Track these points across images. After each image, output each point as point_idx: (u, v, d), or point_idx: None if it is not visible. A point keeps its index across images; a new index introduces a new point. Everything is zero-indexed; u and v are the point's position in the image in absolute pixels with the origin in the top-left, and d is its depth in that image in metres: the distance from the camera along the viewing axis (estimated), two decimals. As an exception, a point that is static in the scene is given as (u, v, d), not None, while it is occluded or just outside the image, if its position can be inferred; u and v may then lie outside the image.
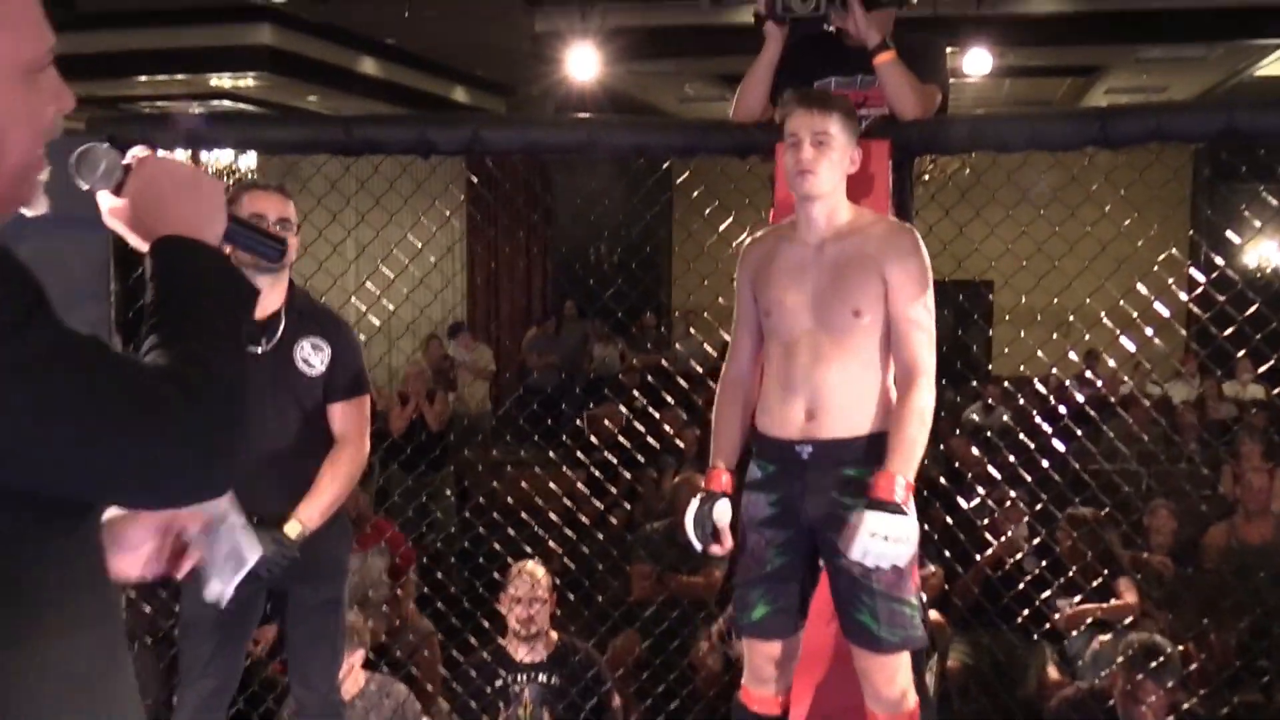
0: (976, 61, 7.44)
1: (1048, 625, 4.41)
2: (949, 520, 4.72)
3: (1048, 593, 4.25)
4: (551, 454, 6.39)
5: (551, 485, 5.23)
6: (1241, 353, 3.73)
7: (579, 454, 5.97)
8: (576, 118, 3.01)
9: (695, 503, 2.56)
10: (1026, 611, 4.14)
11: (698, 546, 2.56)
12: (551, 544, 4.75)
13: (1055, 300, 3.53)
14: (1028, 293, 3.42)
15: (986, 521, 4.97)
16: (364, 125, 2.85)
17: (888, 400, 2.47)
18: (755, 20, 2.82)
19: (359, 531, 5.18)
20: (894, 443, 2.37)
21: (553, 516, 4.86)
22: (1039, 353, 4.14)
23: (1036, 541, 5.00)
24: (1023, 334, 3.43)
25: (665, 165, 3.61)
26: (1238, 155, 7.67)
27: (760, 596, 2.52)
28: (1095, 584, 4.55)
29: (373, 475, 6.87)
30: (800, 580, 2.53)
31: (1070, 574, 4.36)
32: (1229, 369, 9.74)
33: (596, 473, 5.71)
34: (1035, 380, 5.27)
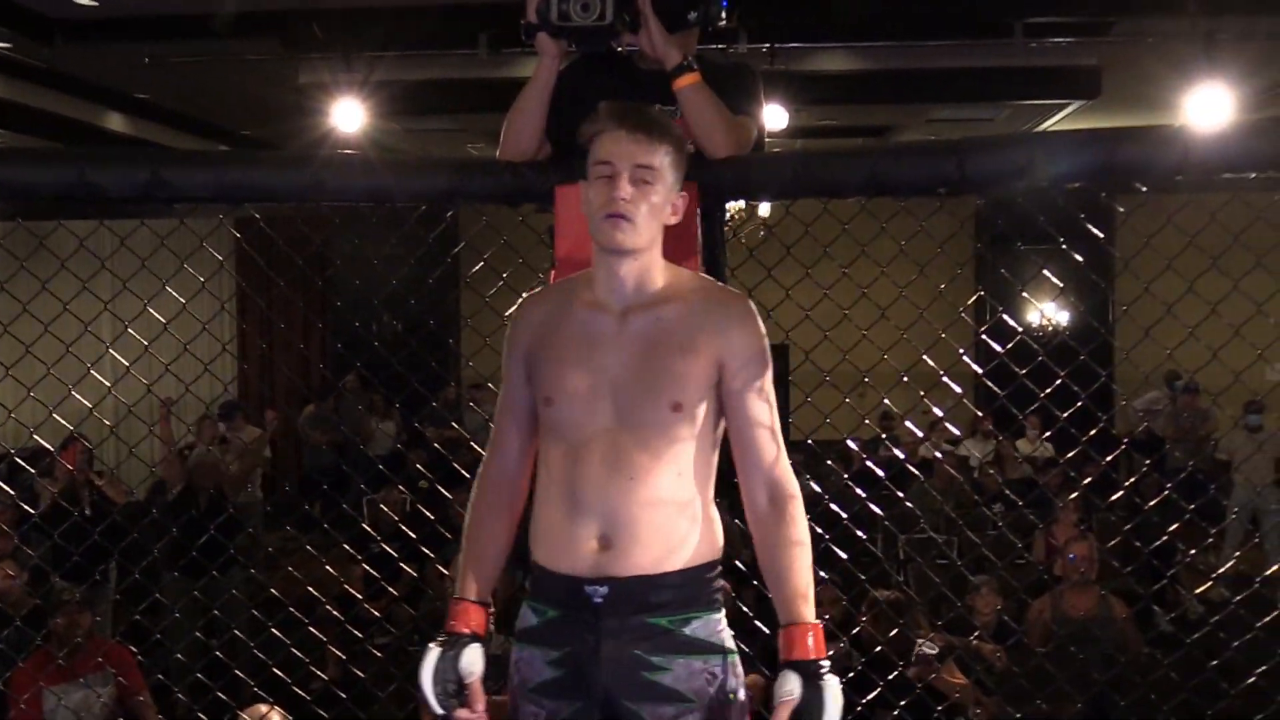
0: (773, 117, 7.14)
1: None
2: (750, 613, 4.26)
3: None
4: (336, 541, 5.67)
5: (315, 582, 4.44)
6: (1030, 409, 3.49)
7: (349, 547, 5.27)
8: (294, 155, 2.39)
9: (434, 650, 1.90)
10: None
11: (437, 710, 1.90)
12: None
13: (850, 361, 3.16)
14: (820, 354, 3.05)
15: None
16: (-3, 162, 2.15)
17: (709, 521, 1.92)
18: (524, 32, 2.25)
19: (71, 659, 4.40)
20: (795, 586, 1.84)
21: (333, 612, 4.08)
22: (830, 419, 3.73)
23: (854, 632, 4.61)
24: (809, 399, 3.06)
25: (450, 215, 3.02)
26: (1012, 222, 7.65)
27: None
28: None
29: (107, 585, 5.99)
30: None
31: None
32: (1018, 428, 9.80)
33: (372, 569, 4.98)
34: (841, 444, 4.87)
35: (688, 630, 1.86)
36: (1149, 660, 4.96)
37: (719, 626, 1.90)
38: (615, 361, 1.88)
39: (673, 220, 1.91)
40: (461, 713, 1.89)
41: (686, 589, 1.86)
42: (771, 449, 1.91)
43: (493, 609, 1.99)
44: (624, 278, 1.89)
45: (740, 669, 1.92)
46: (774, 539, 1.88)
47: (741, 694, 1.91)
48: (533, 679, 1.91)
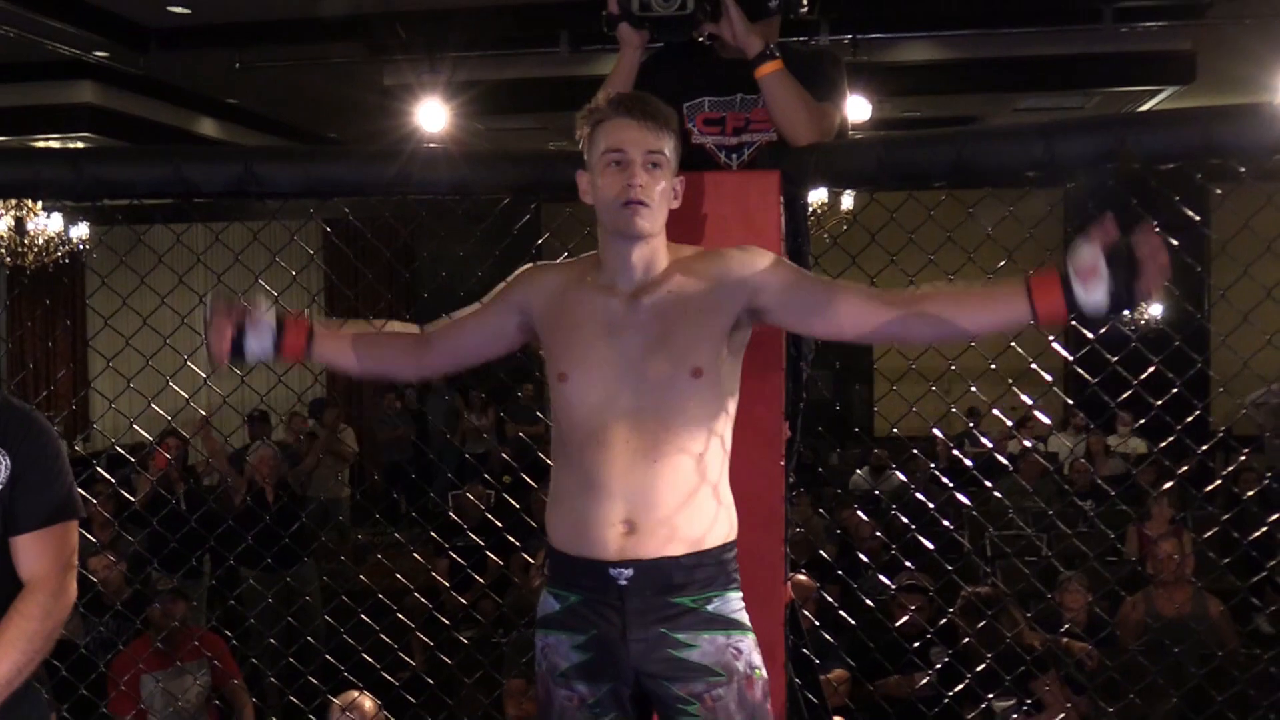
0: (856, 109, 7.08)
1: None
2: (842, 610, 4.22)
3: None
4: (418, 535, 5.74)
5: (401, 574, 4.50)
6: (1120, 399, 3.41)
7: (437, 536, 5.33)
8: (381, 150, 2.43)
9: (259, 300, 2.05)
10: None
11: (209, 314, 2.06)
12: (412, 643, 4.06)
13: (936, 351, 3.09)
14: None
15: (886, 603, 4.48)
16: (97, 161, 2.22)
17: (727, 502, 1.93)
18: (606, 23, 2.28)
19: (169, 646, 4.55)
20: (976, 289, 1.89)
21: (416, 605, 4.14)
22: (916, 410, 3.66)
23: (941, 623, 4.56)
24: (895, 389, 2.99)
25: (533, 207, 3.04)
26: (1103, 205, 7.49)
27: None
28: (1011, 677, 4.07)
29: (202, 575, 6.14)
30: None
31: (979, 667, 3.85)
32: (1107, 421, 9.55)
33: (459, 559, 5.03)
34: (927, 438, 4.82)
35: (710, 608, 1.88)
36: (1247, 657, 4.83)
37: (738, 605, 1.91)
38: (631, 343, 1.89)
39: (675, 205, 1.94)
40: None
41: (708, 569, 1.88)
42: (862, 289, 1.95)
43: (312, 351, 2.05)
44: (635, 263, 1.91)
45: (758, 648, 1.92)
46: (933, 298, 1.89)
47: (764, 671, 1.92)
48: (561, 664, 1.93)
